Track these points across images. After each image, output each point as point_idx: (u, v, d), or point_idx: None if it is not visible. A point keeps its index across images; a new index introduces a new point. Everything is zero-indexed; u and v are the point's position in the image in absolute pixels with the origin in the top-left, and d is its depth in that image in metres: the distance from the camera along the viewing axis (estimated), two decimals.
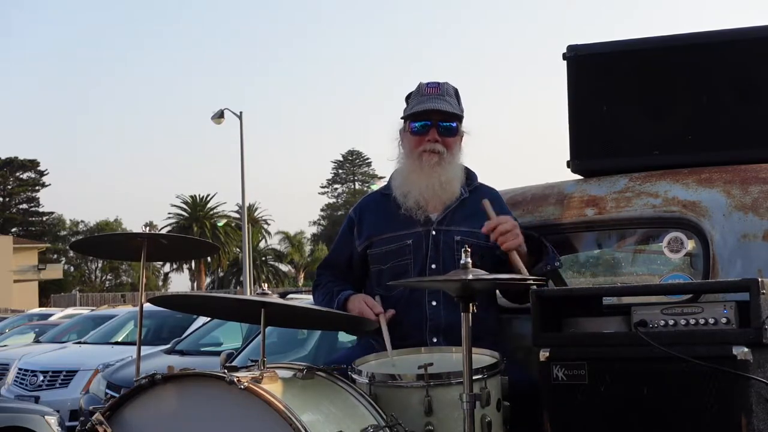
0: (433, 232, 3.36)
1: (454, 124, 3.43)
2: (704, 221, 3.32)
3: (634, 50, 3.78)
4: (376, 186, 4.05)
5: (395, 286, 3.21)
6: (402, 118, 3.49)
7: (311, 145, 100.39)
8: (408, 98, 3.51)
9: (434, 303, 3.30)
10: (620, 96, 3.76)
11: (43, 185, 69.57)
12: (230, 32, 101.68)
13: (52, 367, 11.50)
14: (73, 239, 64.75)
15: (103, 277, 70.36)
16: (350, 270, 3.52)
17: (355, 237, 3.48)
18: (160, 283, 66.96)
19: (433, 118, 3.40)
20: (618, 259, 4.44)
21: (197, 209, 65.90)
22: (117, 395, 2.90)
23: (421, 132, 3.41)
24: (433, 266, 3.33)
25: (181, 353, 10.29)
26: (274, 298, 2.83)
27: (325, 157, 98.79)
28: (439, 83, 3.46)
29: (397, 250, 3.38)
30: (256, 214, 65.38)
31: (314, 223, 77.20)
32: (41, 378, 11.30)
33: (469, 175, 3.51)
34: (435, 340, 3.26)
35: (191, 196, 66.52)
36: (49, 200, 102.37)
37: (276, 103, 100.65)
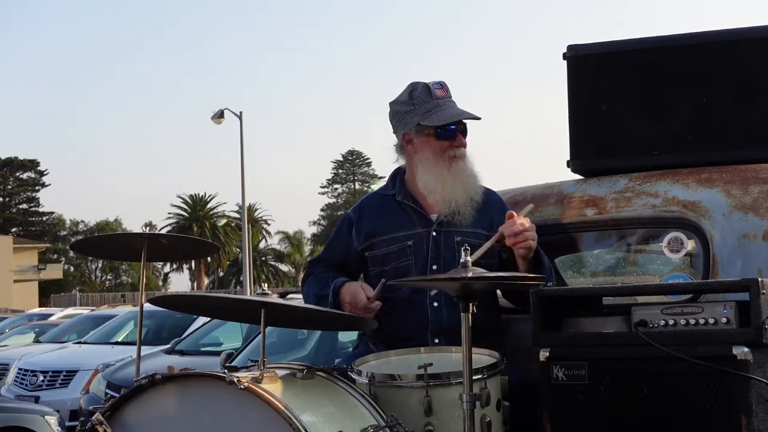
0: (434, 233, 3.36)
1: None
2: (704, 221, 3.32)
3: (634, 50, 3.77)
4: (376, 186, 4.02)
5: (397, 288, 3.21)
6: (432, 126, 3.36)
7: (311, 145, 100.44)
8: (412, 96, 3.41)
9: (436, 304, 3.30)
10: (620, 96, 3.76)
11: (43, 185, 69.63)
12: (230, 32, 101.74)
13: (52, 367, 11.49)
14: (73, 239, 64.86)
15: (103, 277, 70.39)
16: (343, 270, 3.50)
17: (354, 237, 3.48)
18: (160, 283, 66.99)
19: (458, 122, 3.39)
20: (618, 259, 4.44)
21: (197, 209, 65.91)
22: (117, 395, 2.91)
23: (450, 137, 3.38)
24: (434, 267, 3.32)
25: (181, 353, 10.29)
26: (274, 298, 2.83)
27: (325, 157, 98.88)
28: (442, 83, 3.43)
29: (398, 252, 3.37)
30: (256, 214, 65.40)
31: (314, 223, 77.27)
32: (41, 378, 11.30)
33: None
34: (437, 341, 3.26)
35: (191, 196, 66.55)
36: (49, 200, 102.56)
37: (276, 103, 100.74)
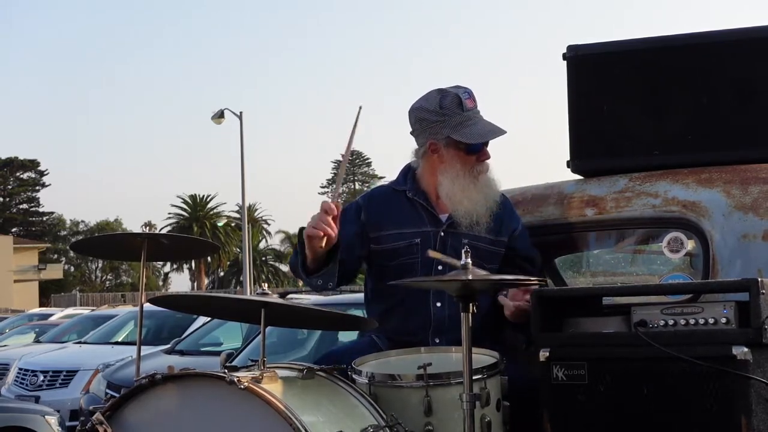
0: (442, 234, 3.36)
1: None
2: (704, 221, 3.32)
3: (635, 50, 3.77)
4: (380, 183, 4.02)
5: (398, 285, 3.21)
6: (465, 143, 3.32)
7: (311, 145, 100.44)
8: (442, 107, 3.33)
9: (438, 304, 3.30)
10: (620, 96, 3.76)
11: (43, 185, 69.63)
12: (230, 32, 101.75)
13: (53, 367, 11.49)
14: (73, 239, 64.92)
15: (103, 277, 70.40)
16: (346, 251, 3.44)
17: (364, 221, 3.41)
18: (160, 283, 66.99)
19: None
20: (618, 259, 4.44)
21: (197, 209, 65.91)
22: (117, 395, 2.91)
23: (478, 150, 3.36)
24: (440, 267, 3.32)
25: (181, 353, 10.29)
26: (274, 298, 2.83)
27: (325, 157, 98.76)
28: (469, 92, 3.37)
29: (405, 248, 3.36)
30: (256, 214, 65.40)
31: None
32: (41, 378, 11.30)
33: None
34: (437, 341, 3.26)
35: (191, 196, 66.54)
36: (49, 200, 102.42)
37: (276, 103, 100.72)
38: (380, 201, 3.48)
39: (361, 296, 3.84)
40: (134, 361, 3.52)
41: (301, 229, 3.16)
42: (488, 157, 3.40)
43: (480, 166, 3.38)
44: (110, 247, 4.08)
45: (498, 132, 3.37)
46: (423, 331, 3.28)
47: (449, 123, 3.34)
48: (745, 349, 2.58)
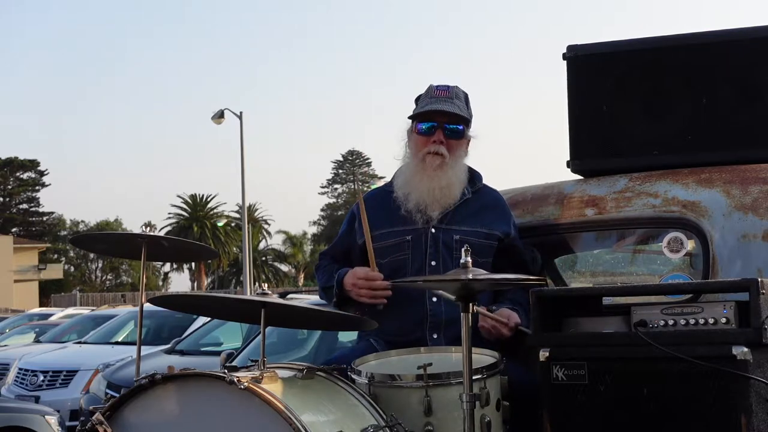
0: (433, 230, 3.38)
1: (461, 127, 3.43)
2: (704, 221, 3.33)
3: (634, 50, 3.78)
4: (376, 186, 4.05)
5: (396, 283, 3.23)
6: (409, 117, 3.49)
7: (311, 145, 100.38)
8: (417, 100, 3.51)
9: (435, 299, 3.31)
10: (620, 96, 3.76)
11: (43, 185, 69.58)
12: (231, 32, 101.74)
13: (53, 367, 11.50)
14: None
15: (104, 277, 70.37)
16: (348, 261, 3.53)
17: (356, 230, 3.50)
18: (160, 283, 66.95)
19: (439, 119, 3.40)
20: (618, 259, 4.44)
21: (197, 209, 65.86)
22: (117, 395, 2.91)
23: (427, 133, 3.41)
24: (433, 263, 3.34)
25: (181, 353, 10.30)
26: (274, 298, 2.83)
27: (325, 157, 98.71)
28: (448, 86, 3.46)
29: (396, 246, 3.39)
30: (256, 214, 65.37)
31: (314, 223, 77.15)
32: (41, 378, 11.31)
33: (473, 176, 3.53)
34: (435, 336, 3.27)
35: (191, 196, 66.48)
36: (49, 200, 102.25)
37: (276, 103, 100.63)
38: (372, 205, 3.52)
39: None
40: (134, 361, 3.52)
41: (340, 281, 3.39)
42: (438, 141, 3.40)
43: (430, 148, 3.39)
44: (110, 245, 4.09)
45: (437, 106, 3.38)
46: (419, 328, 3.29)
47: (415, 109, 3.47)
48: (745, 349, 2.59)
